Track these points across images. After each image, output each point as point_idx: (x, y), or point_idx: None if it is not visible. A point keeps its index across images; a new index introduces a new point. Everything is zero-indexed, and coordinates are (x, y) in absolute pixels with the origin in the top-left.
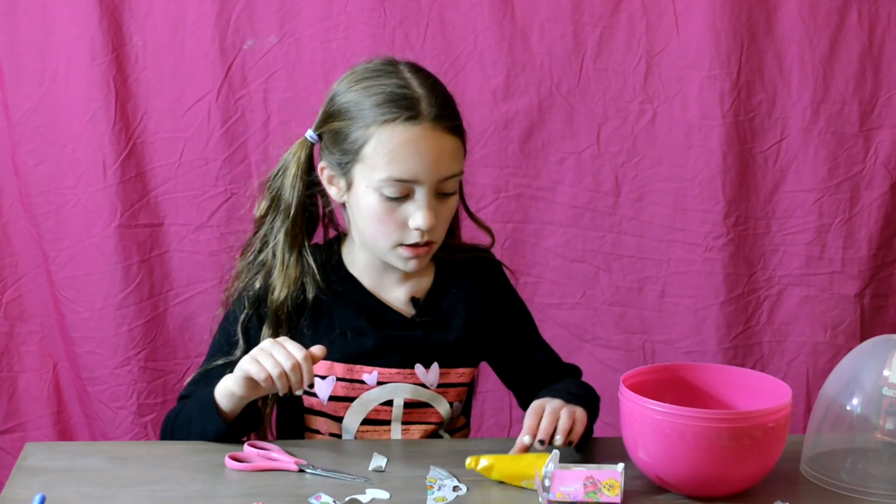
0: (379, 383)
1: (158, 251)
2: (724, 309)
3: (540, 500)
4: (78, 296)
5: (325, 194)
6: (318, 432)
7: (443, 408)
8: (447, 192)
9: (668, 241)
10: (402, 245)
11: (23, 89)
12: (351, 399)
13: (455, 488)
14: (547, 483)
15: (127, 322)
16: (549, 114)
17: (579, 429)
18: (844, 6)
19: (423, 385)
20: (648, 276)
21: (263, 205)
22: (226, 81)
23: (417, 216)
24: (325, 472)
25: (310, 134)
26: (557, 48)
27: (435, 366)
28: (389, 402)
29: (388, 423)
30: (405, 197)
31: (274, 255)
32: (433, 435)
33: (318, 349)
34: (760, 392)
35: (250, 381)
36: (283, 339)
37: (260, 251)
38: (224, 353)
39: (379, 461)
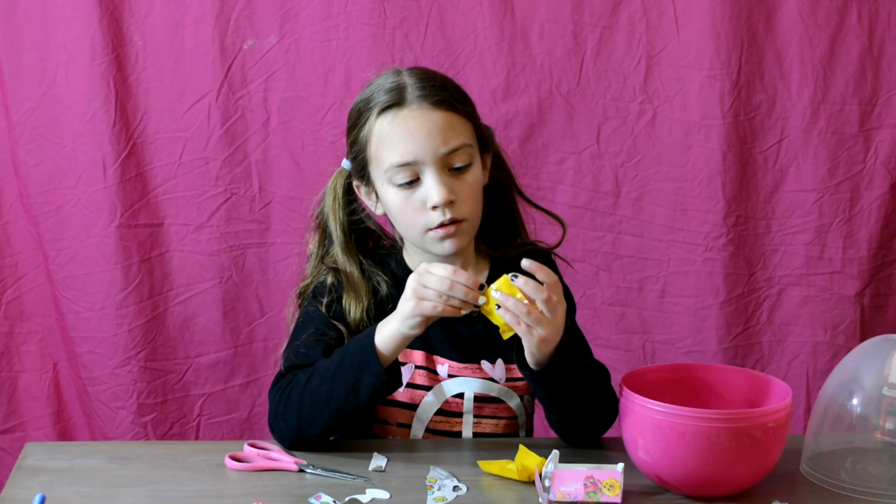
0: (449, 376)
1: (158, 251)
2: (724, 309)
3: (540, 500)
4: (78, 296)
5: (370, 217)
6: (386, 423)
7: (514, 402)
8: (458, 165)
9: (668, 241)
10: (429, 230)
11: (23, 89)
12: (428, 388)
13: (455, 488)
14: (547, 483)
15: (127, 322)
16: (549, 114)
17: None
18: (844, 6)
19: (491, 380)
20: (648, 276)
21: (315, 237)
22: (226, 81)
23: (431, 194)
24: (325, 472)
25: (345, 162)
26: (557, 48)
27: (500, 361)
28: (461, 395)
29: (460, 415)
30: (417, 181)
31: (339, 274)
32: (510, 432)
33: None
34: (760, 392)
35: (425, 320)
36: (428, 267)
37: (318, 271)
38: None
39: (379, 461)
